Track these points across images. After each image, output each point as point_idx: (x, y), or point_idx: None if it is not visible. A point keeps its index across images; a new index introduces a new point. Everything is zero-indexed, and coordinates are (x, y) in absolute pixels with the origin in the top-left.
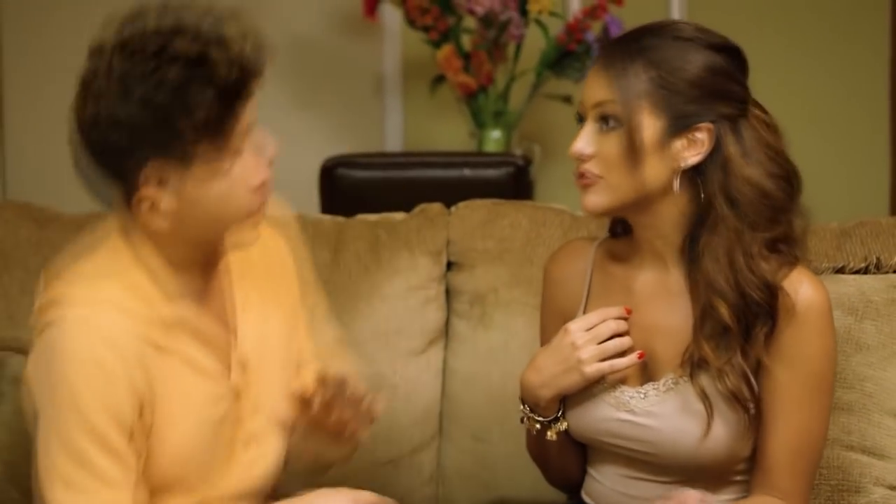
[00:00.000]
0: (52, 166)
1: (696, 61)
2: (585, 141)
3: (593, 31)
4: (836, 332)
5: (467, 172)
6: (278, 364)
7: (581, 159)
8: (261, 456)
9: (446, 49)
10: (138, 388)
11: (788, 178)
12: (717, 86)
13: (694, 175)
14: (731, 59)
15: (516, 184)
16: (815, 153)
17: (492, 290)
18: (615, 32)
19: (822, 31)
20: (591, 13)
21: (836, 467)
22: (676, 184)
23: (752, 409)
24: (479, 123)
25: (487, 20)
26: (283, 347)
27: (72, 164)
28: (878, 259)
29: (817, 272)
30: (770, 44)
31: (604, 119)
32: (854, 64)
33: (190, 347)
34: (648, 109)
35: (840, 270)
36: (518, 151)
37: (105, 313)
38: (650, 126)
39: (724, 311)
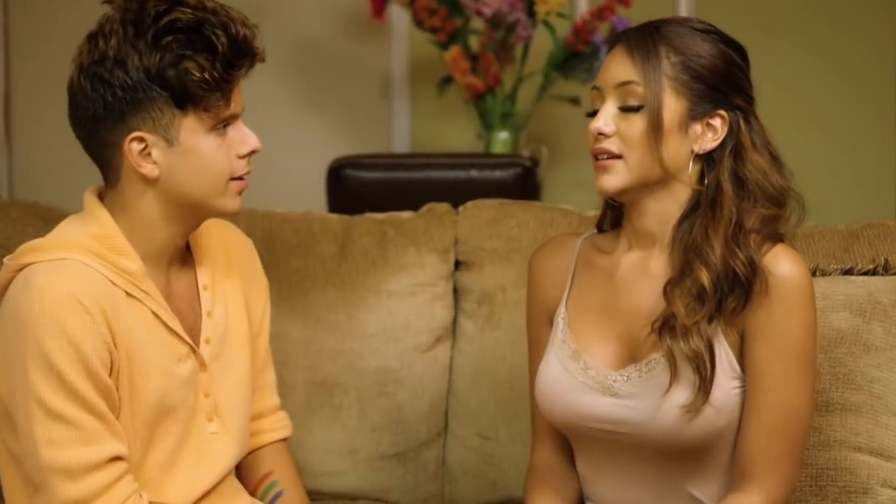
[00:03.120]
0: (60, 166)
1: (714, 51)
2: (605, 119)
3: (601, 33)
4: (842, 333)
5: (474, 174)
6: (238, 352)
7: (602, 135)
8: (221, 434)
9: (454, 50)
10: (106, 340)
11: (785, 174)
12: (733, 77)
13: (703, 160)
14: (742, 56)
15: (523, 185)
16: (822, 155)
17: (499, 289)
18: None
19: (829, 33)
20: (599, 14)
21: (844, 469)
22: (691, 167)
23: (707, 375)
24: (487, 125)
25: (495, 21)
26: (242, 334)
27: (78, 145)
28: (885, 260)
29: (825, 274)
30: (777, 45)
31: (626, 99)
32: (861, 66)
33: (157, 301)
34: (671, 91)
35: (848, 272)
36: (525, 153)
37: (70, 268)
38: (672, 107)
39: (704, 277)
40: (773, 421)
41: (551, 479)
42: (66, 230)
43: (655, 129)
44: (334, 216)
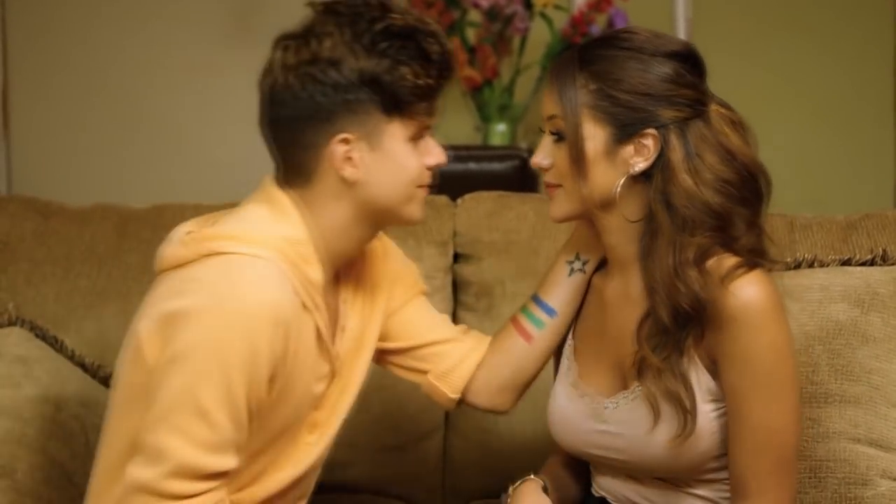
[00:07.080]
0: (58, 160)
1: (639, 70)
2: (542, 154)
3: (598, 25)
4: (840, 325)
5: (473, 166)
6: (362, 366)
7: (541, 170)
8: (315, 444)
9: (451, 43)
10: (280, 356)
11: (744, 180)
12: (663, 92)
13: (642, 180)
14: (683, 63)
15: (522, 177)
16: (820, 147)
17: (498, 282)
18: (620, 25)
19: (826, 25)
20: (596, 6)
21: (843, 460)
22: (617, 189)
23: (689, 408)
24: (485, 117)
25: (492, 14)
26: (370, 348)
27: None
28: (884, 251)
29: (823, 265)
30: (775, 37)
31: (554, 132)
32: (859, 57)
33: (324, 316)
34: (591, 120)
35: (846, 263)
36: (523, 145)
37: (276, 273)
38: (594, 136)
39: (662, 312)
40: (757, 442)
41: (553, 482)
42: (256, 224)
43: (577, 160)
44: None
